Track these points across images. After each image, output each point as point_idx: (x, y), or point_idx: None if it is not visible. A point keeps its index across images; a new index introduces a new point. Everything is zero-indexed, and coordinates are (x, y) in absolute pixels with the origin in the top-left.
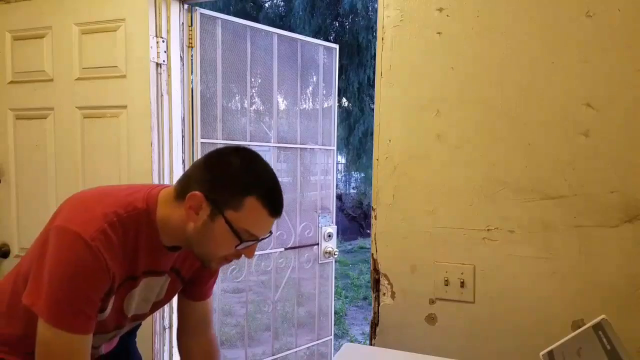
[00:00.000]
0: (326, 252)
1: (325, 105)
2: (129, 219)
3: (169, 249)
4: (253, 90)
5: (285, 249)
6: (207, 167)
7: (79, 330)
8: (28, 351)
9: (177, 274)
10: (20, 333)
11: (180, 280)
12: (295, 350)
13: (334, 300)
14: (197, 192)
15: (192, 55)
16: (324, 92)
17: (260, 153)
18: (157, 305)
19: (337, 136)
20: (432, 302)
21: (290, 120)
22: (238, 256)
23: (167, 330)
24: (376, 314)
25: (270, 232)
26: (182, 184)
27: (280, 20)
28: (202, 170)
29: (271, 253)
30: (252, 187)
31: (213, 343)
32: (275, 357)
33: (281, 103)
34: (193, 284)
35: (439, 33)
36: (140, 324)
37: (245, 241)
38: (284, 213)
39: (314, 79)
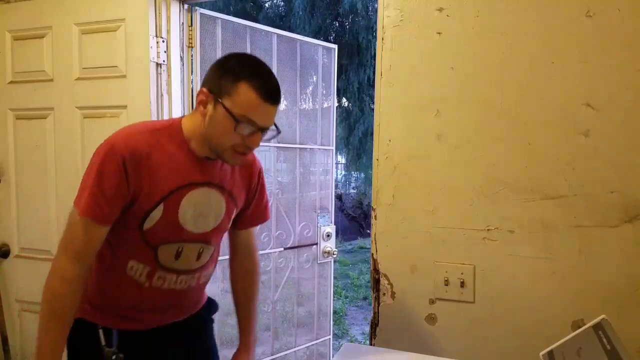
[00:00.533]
0: (325, 252)
1: (325, 105)
2: (158, 132)
3: (203, 159)
4: None
5: (285, 248)
6: (212, 67)
7: (89, 214)
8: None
9: (230, 196)
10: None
11: (233, 202)
12: (294, 349)
13: (334, 300)
14: (203, 88)
15: (192, 55)
16: (323, 92)
17: (260, 153)
18: (219, 230)
19: (337, 136)
20: (432, 302)
21: (290, 120)
22: (245, 146)
23: None
24: (376, 314)
25: (277, 130)
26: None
27: (280, 20)
28: (209, 70)
29: (270, 253)
30: (243, 74)
31: (254, 264)
32: (274, 356)
33: (281, 103)
34: (244, 213)
35: (439, 33)
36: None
37: (242, 123)
38: (283, 212)
39: (314, 79)
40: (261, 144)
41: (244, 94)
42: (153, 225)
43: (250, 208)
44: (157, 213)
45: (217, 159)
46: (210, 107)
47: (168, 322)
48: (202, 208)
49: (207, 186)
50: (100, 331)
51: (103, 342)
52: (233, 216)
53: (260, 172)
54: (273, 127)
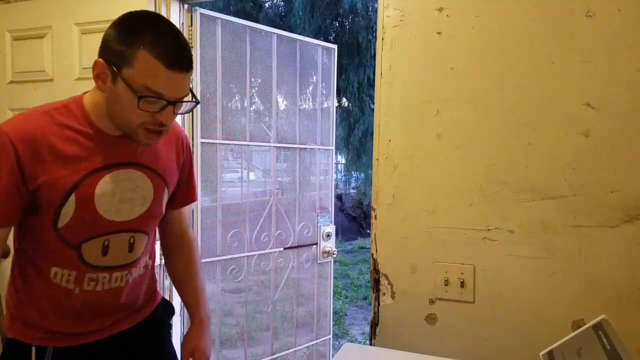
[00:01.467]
0: (325, 252)
1: (325, 105)
2: (55, 111)
3: (115, 138)
4: (253, 90)
5: (285, 248)
6: (108, 31)
7: None
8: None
9: (154, 173)
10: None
11: (162, 182)
12: (294, 349)
13: (334, 300)
14: (98, 59)
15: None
16: (323, 92)
17: (260, 153)
18: (150, 214)
19: (337, 136)
20: (432, 302)
21: (290, 120)
22: (156, 124)
23: None
24: (376, 314)
25: (194, 100)
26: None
27: (280, 20)
28: (105, 34)
29: (270, 253)
30: (143, 39)
31: (190, 239)
32: (274, 356)
33: (281, 103)
34: (176, 193)
35: (439, 33)
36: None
37: (146, 97)
38: (283, 212)
39: (313, 79)
40: (261, 144)
41: (145, 63)
42: (69, 221)
43: (180, 188)
44: (69, 206)
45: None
46: (108, 81)
47: (113, 332)
48: (122, 192)
49: (126, 167)
50: (33, 349)
51: None
52: (165, 197)
53: (187, 145)
54: (189, 97)
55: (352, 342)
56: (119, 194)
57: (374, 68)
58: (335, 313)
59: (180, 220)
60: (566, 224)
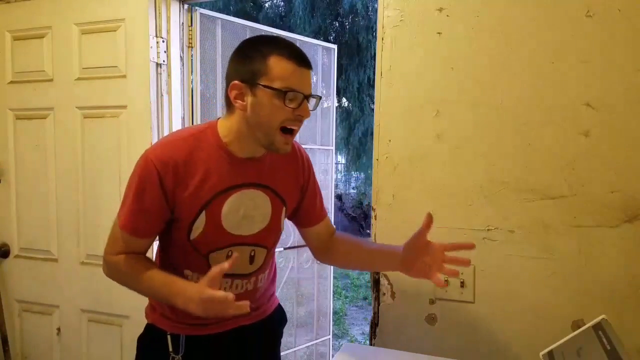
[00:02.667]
0: None
1: (325, 105)
2: (192, 137)
3: (244, 160)
4: None
5: (285, 248)
6: (233, 58)
7: (128, 230)
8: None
9: (275, 193)
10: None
11: (280, 200)
12: (294, 349)
13: (334, 300)
14: (234, 81)
15: (192, 55)
16: (323, 92)
17: None
18: (269, 230)
19: (337, 136)
20: (432, 302)
21: None
22: (295, 120)
23: None
24: (376, 314)
25: (318, 96)
26: (224, 96)
27: (280, 20)
28: (230, 64)
29: None
30: (268, 49)
31: (346, 236)
32: None
33: None
34: (300, 212)
35: (439, 33)
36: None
37: (288, 93)
38: None
39: (313, 79)
40: None
41: (279, 66)
42: (199, 234)
43: (303, 208)
44: (200, 221)
45: (259, 158)
46: (248, 96)
47: (236, 326)
48: (245, 210)
49: (248, 187)
50: (169, 337)
51: (170, 349)
52: (283, 215)
53: (308, 166)
54: (315, 94)
55: (352, 342)
56: (242, 211)
57: (374, 68)
58: (335, 313)
59: (324, 231)
60: (566, 224)
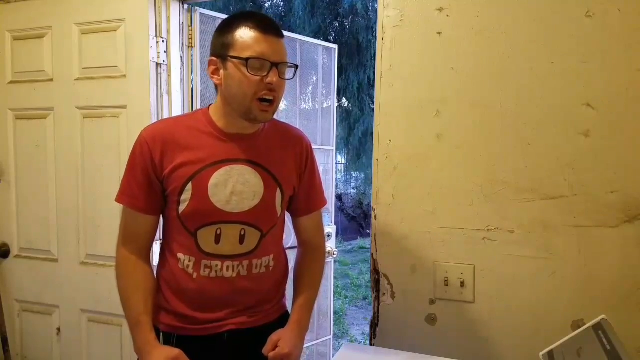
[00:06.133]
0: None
1: (325, 105)
2: (185, 116)
3: (233, 136)
4: None
5: (285, 249)
6: (212, 37)
7: (124, 201)
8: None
9: (268, 172)
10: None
11: (273, 180)
12: None
13: (334, 300)
14: (210, 58)
15: (192, 55)
16: (324, 92)
17: None
18: (261, 209)
19: (337, 136)
20: (432, 302)
21: (290, 120)
22: (265, 88)
23: None
24: (376, 314)
25: (294, 65)
26: None
27: (281, 20)
28: (210, 46)
29: None
30: (238, 22)
31: (319, 245)
32: None
33: (281, 103)
34: (292, 199)
35: (439, 33)
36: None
37: (251, 60)
38: None
39: (314, 79)
40: None
41: (243, 35)
42: (187, 207)
43: (299, 195)
44: (187, 193)
45: (251, 135)
46: (221, 70)
47: (229, 329)
48: (234, 186)
49: (237, 162)
50: (161, 335)
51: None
52: (278, 196)
53: (308, 152)
54: (289, 63)
55: (352, 342)
56: (230, 186)
57: (374, 68)
58: (335, 313)
59: (305, 227)
60: (566, 224)
